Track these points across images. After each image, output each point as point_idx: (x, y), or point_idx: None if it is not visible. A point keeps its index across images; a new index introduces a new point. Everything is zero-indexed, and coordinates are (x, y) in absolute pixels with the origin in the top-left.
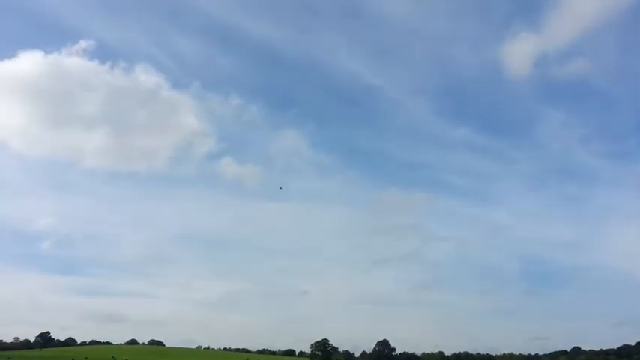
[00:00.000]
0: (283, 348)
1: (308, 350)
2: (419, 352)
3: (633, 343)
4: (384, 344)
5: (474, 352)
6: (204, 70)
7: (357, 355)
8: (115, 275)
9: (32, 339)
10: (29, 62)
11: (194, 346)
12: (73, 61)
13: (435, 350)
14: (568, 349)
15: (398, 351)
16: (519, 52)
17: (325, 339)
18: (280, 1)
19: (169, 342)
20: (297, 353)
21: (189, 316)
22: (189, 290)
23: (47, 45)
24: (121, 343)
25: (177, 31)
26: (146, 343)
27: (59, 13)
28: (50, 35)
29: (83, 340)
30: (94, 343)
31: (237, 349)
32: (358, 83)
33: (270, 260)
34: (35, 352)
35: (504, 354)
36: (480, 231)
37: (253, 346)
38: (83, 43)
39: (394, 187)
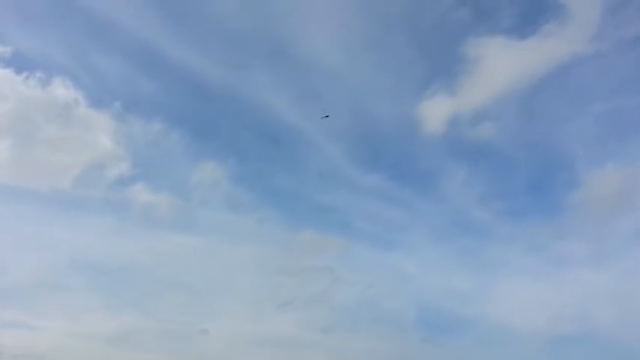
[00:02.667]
0: None
1: None
2: None
3: None
4: None
5: None
6: (127, 92)
7: None
8: None
9: None
10: None
11: None
12: None
13: None
14: None
15: None
16: (434, 111)
17: None
18: (211, 32)
19: None
20: None
21: (76, 351)
22: (78, 323)
23: None
24: None
25: (100, 48)
26: None
27: None
28: None
29: None
30: None
31: None
32: (281, 122)
33: (172, 295)
34: None
35: None
36: (386, 277)
37: None
38: None
39: (309, 228)
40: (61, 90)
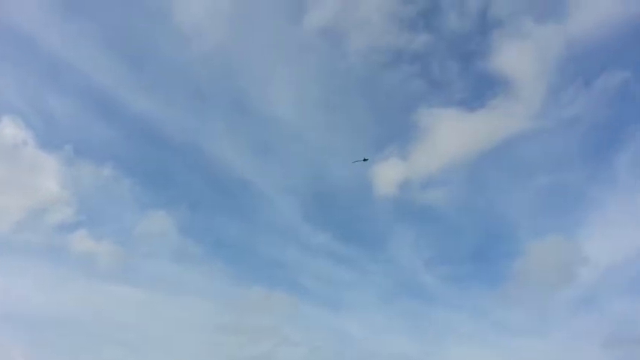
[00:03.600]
0: None
1: None
2: None
3: None
4: None
5: None
6: (80, 135)
7: None
8: None
9: None
10: None
11: None
12: None
13: None
14: None
15: None
16: (386, 174)
17: None
18: (170, 81)
19: None
20: None
21: None
22: None
23: None
24: None
25: (53, 89)
26: None
27: None
28: None
29: None
30: None
31: None
32: (235, 175)
33: (109, 351)
34: None
35: None
36: (333, 339)
37: None
38: None
39: (257, 285)
40: (9, 129)
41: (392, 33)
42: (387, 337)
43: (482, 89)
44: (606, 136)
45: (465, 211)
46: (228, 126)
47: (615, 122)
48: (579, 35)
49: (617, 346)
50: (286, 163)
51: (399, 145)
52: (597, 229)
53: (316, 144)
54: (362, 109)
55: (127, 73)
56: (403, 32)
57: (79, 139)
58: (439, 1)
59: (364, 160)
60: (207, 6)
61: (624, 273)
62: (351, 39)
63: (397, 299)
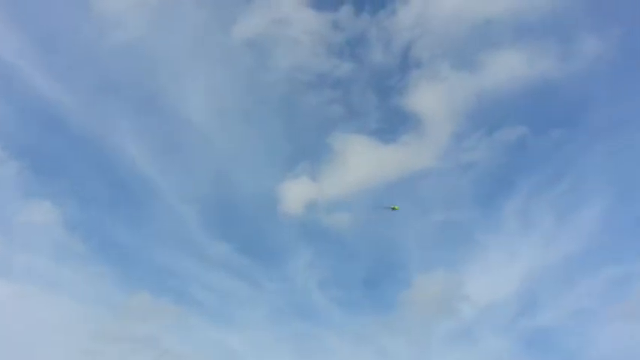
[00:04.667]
0: None
1: None
2: None
3: None
4: None
5: None
6: None
7: None
8: None
9: None
10: None
11: None
12: None
13: None
14: None
15: None
16: (294, 192)
17: None
18: (81, 67)
19: None
20: None
21: None
22: None
23: None
24: None
25: None
26: None
27: None
28: None
29: None
30: None
31: None
32: (136, 174)
33: None
34: None
35: None
36: (216, 355)
37: None
38: None
39: (143, 291)
40: None
41: (318, 56)
42: (272, 356)
43: (395, 124)
44: (498, 184)
45: (363, 237)
46: (137, 122)
47: (508, 173)
48: (489, 88)
49: None
50: (193, 169)
51: (310, 165)
52: (479, 269)
53: (227, 153)
54: (278, 125)
55: (35, 54)
56: (329, 57)
57: None
58: (367, 35)
59: (393, 208)
60: None
61: (500, 313)
62: (277, 55)
63: (287, 319)
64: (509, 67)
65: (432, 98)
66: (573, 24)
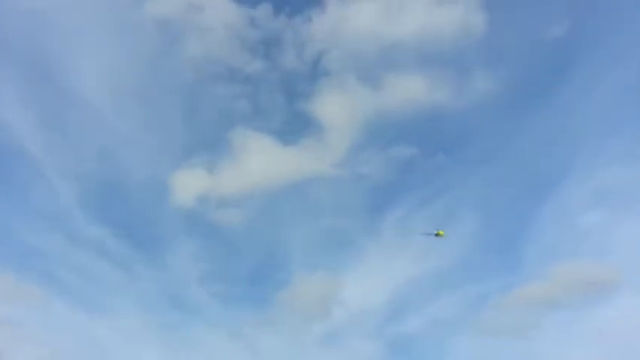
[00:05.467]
0: None
1: None
2: None
3: None
4: None
5: None
6: None
7: None
8: None
9: None
10: None
11: None
12: None
13: None
14: None
15: None
16: (187, 183)
17: None
18: None
19: None
20: None
21: None
22: None
23: None
24: None
25: None
26: None
27: None
28: None
29: None
30: None
31: None
32: (14, 143)
33: None
34: None
35: None
36: (81, 342)
37: None
38: None
39: (8, 270)
40: None
41: (231, 49)
42: (139, 345)
43: (298, 127)
44: (384, 197)
45: (251, 236)
46: (25, 91)
47: (394, 187)
48: (389, 106)
49: None
50: (79, 146)
51: (207, 157)
52: (357, 275)
53: (119, 134)
54: (178, 113)
55: None
56: (242, 53)
57: None
58: (282, 37)
59: (437, 234)
60: None
61: (371, 318)
62: (188, 41)
63: (160, 309)
64: (408, 91)
65: (336, 108)
66: (471, 60)
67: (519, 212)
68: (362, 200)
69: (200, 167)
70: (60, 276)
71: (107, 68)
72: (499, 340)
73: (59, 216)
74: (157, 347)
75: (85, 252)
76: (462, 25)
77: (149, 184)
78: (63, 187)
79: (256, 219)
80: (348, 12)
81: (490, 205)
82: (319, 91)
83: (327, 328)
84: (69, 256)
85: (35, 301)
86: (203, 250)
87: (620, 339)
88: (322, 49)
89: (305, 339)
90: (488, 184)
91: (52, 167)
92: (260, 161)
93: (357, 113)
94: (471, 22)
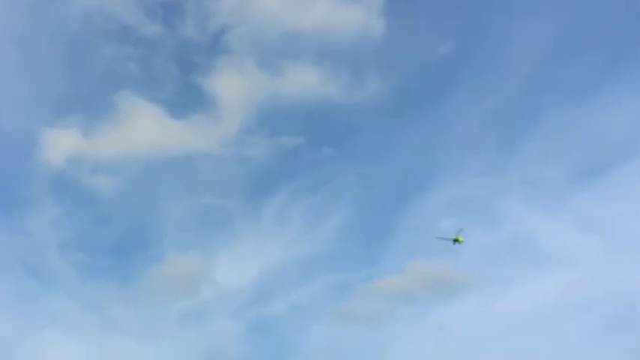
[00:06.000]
0: None
1: None
2: None
3: None
4: None
5: None
6: None
7: None
8: None
9: None
10: None
11: None
12: None
13: None
14: None
15: None
16: (61, 143)
17: None
18: None
19: None
20: None
21: None
22: None
23: None
24: None
25: None
26: None
27: None
28: None
29: None
30: None
31: None
32: None
33: None
34: None
35: None
36: None
37: None
38: None
39: None
40: None
41: (127, 8)
42: None
43: (190, 101)
44: (267, 182)
45: (124, 206)
46: None
47: (278, 174)
48: (283, 94)
49: None
50: None
51: (86, 118)
52: (231, 256)
53: None
54: (61, 65)
55: None
56: (139, 13)
57: None
58: (185, 5)
59: (454, 240)
60: None
61: (238, 299)
62: None
63: (13, 276)
64: (303, 82)
65: (232, 88)
66: (366, 61)
67: (387, 210)
68: (245, 183)
69: (76, 127)
70: None
71: None
72: (355, 327)
73: None
74: (6, 316)
75: None
76: (362, 27)
77: (16, 137)
78: None
79: (132, 189)
80: None
81: (363, 201)
82: (217, 68)
83: (193, 306)
84: None
85: None
86: (68, 215)
87: (461, 335)
88: (225, 25)
89: (168, 317)
90: (365, 180)
91: None
92: (144, 130)
93: (252, 96)
94: (370, 26)
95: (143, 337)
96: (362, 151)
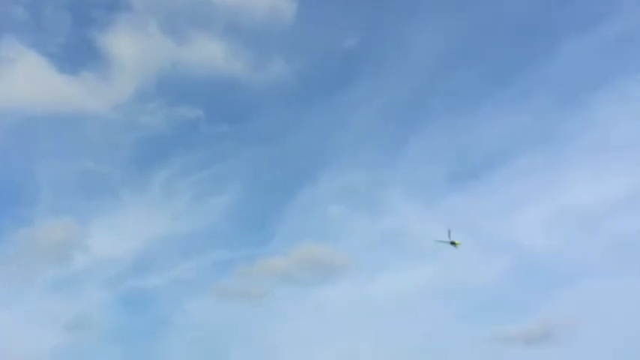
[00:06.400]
0: None
1: None
2: None
3: None
4: None
5: None
6: None
7: None
8: None
9: None
10: None
11: None
12: None
13: None
14: None
15: None
16: None
17: None
18: None
19: None
20: None
21: None
22: None
23: None
24: None
25: None
26: None
27: None
28: None
29: None
30: None
31: None
32: None
33: None
34: None
35: None
36: None
37: None
38: None
39: None
40: None
41: None
42: None
43: (82, 57)
44: (155, 153)
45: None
46: None
47: (169, 146)
48: (188, 63)
49: (75, 331)
50: None
51: None
52: (111, 225)
53: None
54: None
55: None
56: None
57: None
58: None
59: (453, 243)
60: None
61: (113, 268)
62: None
63: None
64: (210, 54)
65: (132, 49)
66: (274, 43)
67: (278, 192)
68: (133, 151)
69: None
70: None
71: None
72: (234, 305)
73: None
74: None
75: None
76: (273, 8)
77: None
78: None
79: (4, 143)
80: None
81: (255, 181)
82: (116, 25)
83: (64, 273)
84: None
85: None
86: None
87: (336, 314)
88: None
89: (35, 282)
90: (260, 161)
91: None
92: (25, 81)
93: (153, 61)
94: (281, 8)
95: (7, 302)
96: (260, 131)
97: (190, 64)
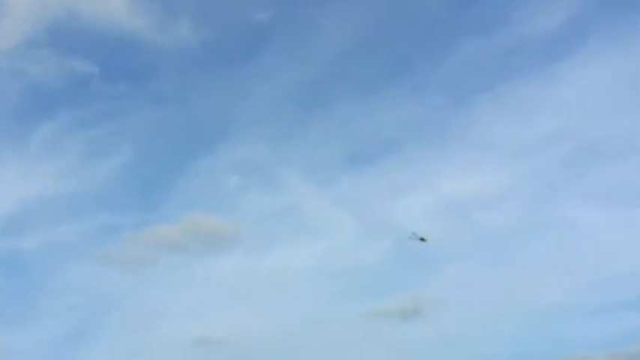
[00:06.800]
0: None
1: None
2: None
3: None
4: None
5: None
6: None
7: None
8: None
9: None
10: None
11: None
12: None
13: None
14: None
15: None
16: None
17: None
18: None
19: None
20: None
21: None
22: None
23: None
24: None
25: None
26: None
27: None
28: None
29: None
30: None
31: None
32: None
33: None
34: None
35: None
36: None
37: None
38: None
39: None
40: None
41: None
42: None
43: None
44: (44, 105)
45: None
46: None
47: (59, 99)
48: (85, 14)
49: None
50: None
51: None
52: None
53: None
54: None
55: None
56: None
57: None
58: None
59: (422, 239)
60: None
61: None
62: None
63: None
64: (111, 7)
65: None
66: (182, 4)
67: (173, 158)
68: (15, 101)
69: None
70: None
71: None
72: (117, 272)
73: None
74: None
75: None
76: None
77: None
78: None
79: None
80: None
81: (150, 145)
82: None
83: None
84: None
85: None
86: None
87: (223, 286)
88: None
89: None
90: (156, 124)
91: None
92: None
93: (46, 6)
94: None
95: None
96: (159, 94)
97: (89, 16)
